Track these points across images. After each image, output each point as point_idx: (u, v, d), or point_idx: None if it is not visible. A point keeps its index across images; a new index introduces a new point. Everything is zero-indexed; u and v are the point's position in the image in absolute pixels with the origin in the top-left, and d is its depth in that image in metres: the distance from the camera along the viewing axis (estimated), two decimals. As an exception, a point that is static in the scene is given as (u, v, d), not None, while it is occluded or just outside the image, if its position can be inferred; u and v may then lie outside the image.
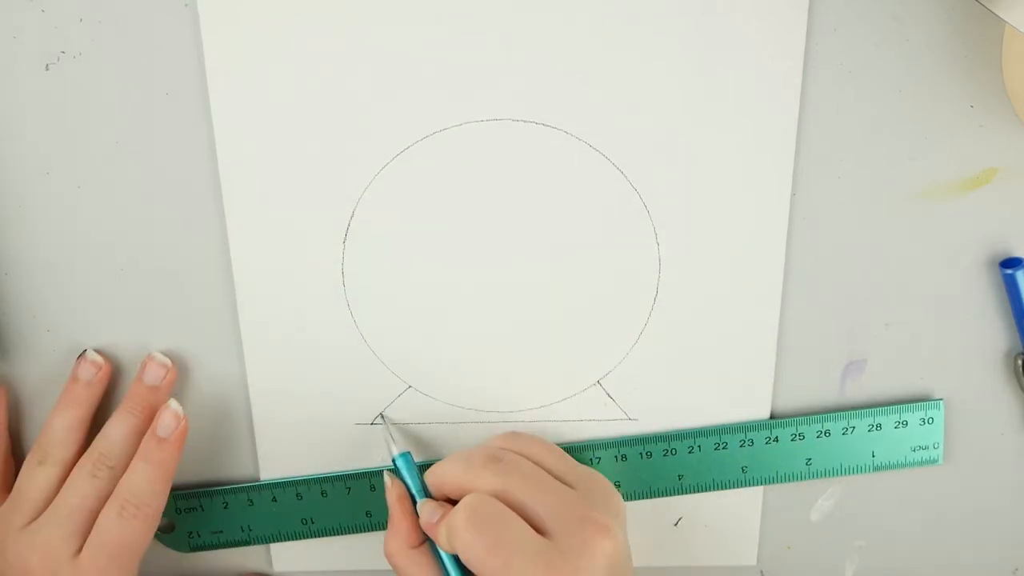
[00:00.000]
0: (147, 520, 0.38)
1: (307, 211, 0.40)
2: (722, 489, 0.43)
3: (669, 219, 0.40)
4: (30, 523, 0.39)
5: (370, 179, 0.39)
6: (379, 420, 0.43)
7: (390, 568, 0.40)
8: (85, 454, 0.40)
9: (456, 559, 0.37)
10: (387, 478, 0.40)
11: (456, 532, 0.35)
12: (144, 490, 0.38)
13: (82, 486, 0.39)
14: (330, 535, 0.44)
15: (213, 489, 0.44)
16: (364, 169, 0.39)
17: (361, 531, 0.44)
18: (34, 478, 0.39)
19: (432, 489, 0.39)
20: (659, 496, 0.43)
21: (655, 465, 0.43)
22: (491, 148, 0.39)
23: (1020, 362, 0.42)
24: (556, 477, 0.38)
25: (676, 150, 0.39)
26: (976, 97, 0.38)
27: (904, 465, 0.43)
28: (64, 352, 0.42)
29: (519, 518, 0.35)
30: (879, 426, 0.42)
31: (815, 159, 0.39)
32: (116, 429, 0.40)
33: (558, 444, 0.43)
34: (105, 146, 0.39)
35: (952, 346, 0.42)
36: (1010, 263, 0.40)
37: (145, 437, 0.39)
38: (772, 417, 0.43)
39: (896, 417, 0.42)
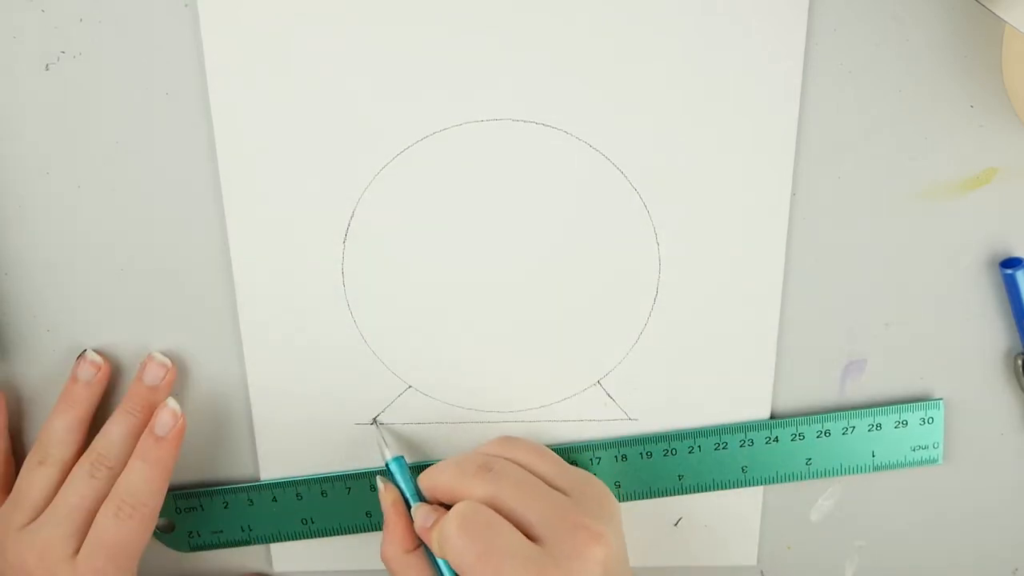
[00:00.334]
0: (144, 520, 0.38)
1: (307, 211, 0.40)
2: (722, 489, 0.43)
3: (669, 219, 0.40)
4: (30, 523, 0.39)
5: (370, 179, 0.39)
6: (379, 420, 0.43)
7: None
8: (84, 454, 0.40)
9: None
10: (380, 483, 0.40)
11: (447, 539, 0.35)
12: (141, 489, 0.38)
13: (81, 486, 0.39)
14: (330, 535, 0.44)
15: (213, 489, 0.44)
16: (364, 169, 0.39)
17: (361, 531, 0.44)
18: (34, 478, 0.39)
19: (425, 493, 0.39)
20: (659, 496, 0.43)
21: (655, 465, 0.43)
22: (491, 148, 0.39)
23: (1020, 362, 0.42)
24: (549, 483, 0.38)
25: (676, 150, 0.39)
26: (976, 97, 0.38)
27: (904, 465, 0.43)
28: (64, 352, 0.42)
29: (510, 525, 0.35)
30: (879, 426, 0.42)
31: (815, 159, 0.39)
32: (115, 429, 0.40)
33: (558, 444, 0.43)
34: (105, 146, 0.39)
35: (952, 346, 0.42)
36: (1010, 263, 0.40)
37: (143, 436, 0.39)
38: (772, 417, 0.43)
39: (896, 417, 0.42)
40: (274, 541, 0.45)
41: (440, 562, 0.37)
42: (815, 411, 0.43)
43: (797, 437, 0.42)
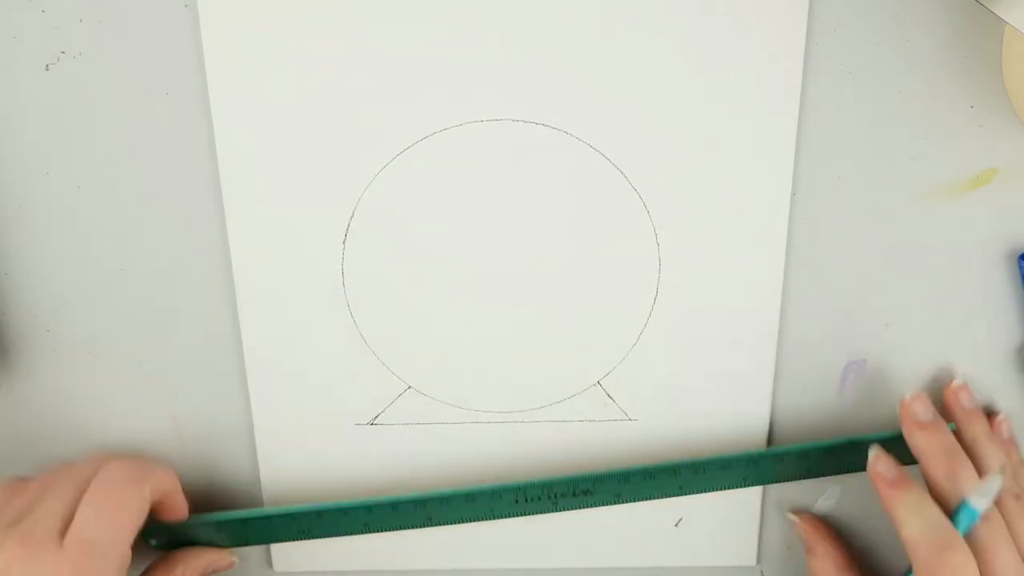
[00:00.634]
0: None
1: (307, 211, 0.40)
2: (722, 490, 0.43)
3: (669, 219, 0.40)
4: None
5: (370, 179, 0.39)
6: (379, 420, 0.43)
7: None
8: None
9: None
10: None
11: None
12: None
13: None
14: (330, 535, 0.44)
15: (208, 520, 0.43)
16: (364, 169, 0.39)
17: (361, 532, 0.44)
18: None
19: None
20: (659, 498, 0.43)
21: (657, 482, 0.43)
22: (491, 148, 0.39)
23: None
24: None
25: (676, 150, 0.39)
26: (976, 97, 0.38)
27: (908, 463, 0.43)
28: (64, 352, 0.42)
29: None
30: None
31: (815, 159, 0.39)
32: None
33: (558, 444, 0.43)
34: (105, 146, 0.39)
35: (952, 346, 0.42)
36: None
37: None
38: (772, 417, 0.43)
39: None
40: (274, 541, 0.45)
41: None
42: (815, 410, 0.43)
43: (802, 456, 0.42)
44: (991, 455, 0.39)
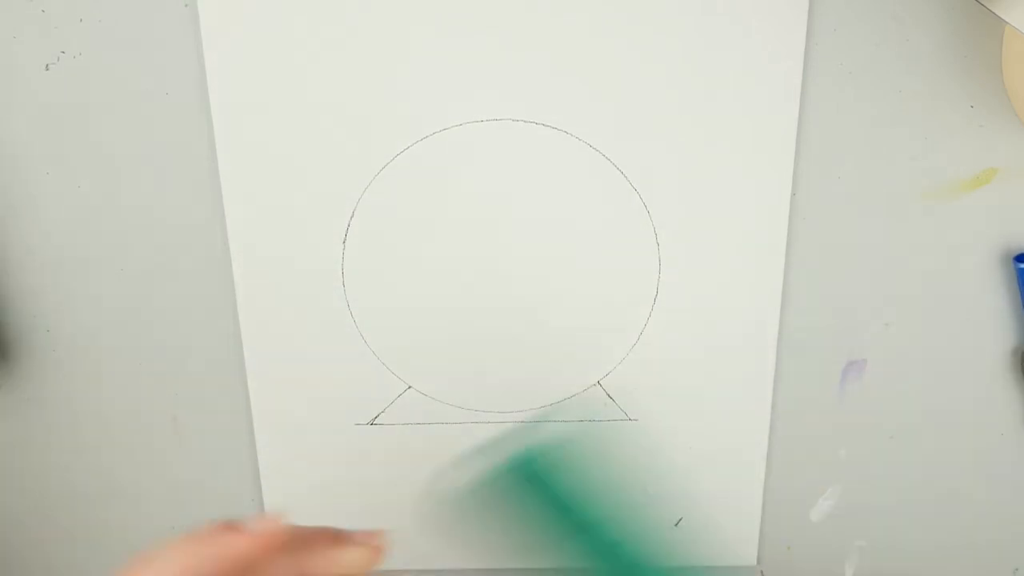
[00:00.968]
0: None
1: (307, 211, 0.40)
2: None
3: (669, 219, 0.40)
4: None
5: (369, 179, 0.39)
6: (379, 420, 0.43)
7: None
8: None
9: None
10: None
11: None
12: None
13: None
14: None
15: None
16: (363, 169, 0.39)
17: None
18: None
19: None
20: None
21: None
22: (491, 148, 0.39)
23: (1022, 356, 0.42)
24: None
25: (676, 150, 0.39)
26: (976, 97, 0.38)
27: None
28: (64, 352, 0.42)
29: None
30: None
31: (815, 159, 0.39)
32: None
33: (557, 445, 0.43)
34: (105, 146, 0.39)
35: (952, 346, 0.42)
36: None
37: None
38: (772, 416, 0.43)
39: None
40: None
41: None
42: (815, 411, 0.43)
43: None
44: None
